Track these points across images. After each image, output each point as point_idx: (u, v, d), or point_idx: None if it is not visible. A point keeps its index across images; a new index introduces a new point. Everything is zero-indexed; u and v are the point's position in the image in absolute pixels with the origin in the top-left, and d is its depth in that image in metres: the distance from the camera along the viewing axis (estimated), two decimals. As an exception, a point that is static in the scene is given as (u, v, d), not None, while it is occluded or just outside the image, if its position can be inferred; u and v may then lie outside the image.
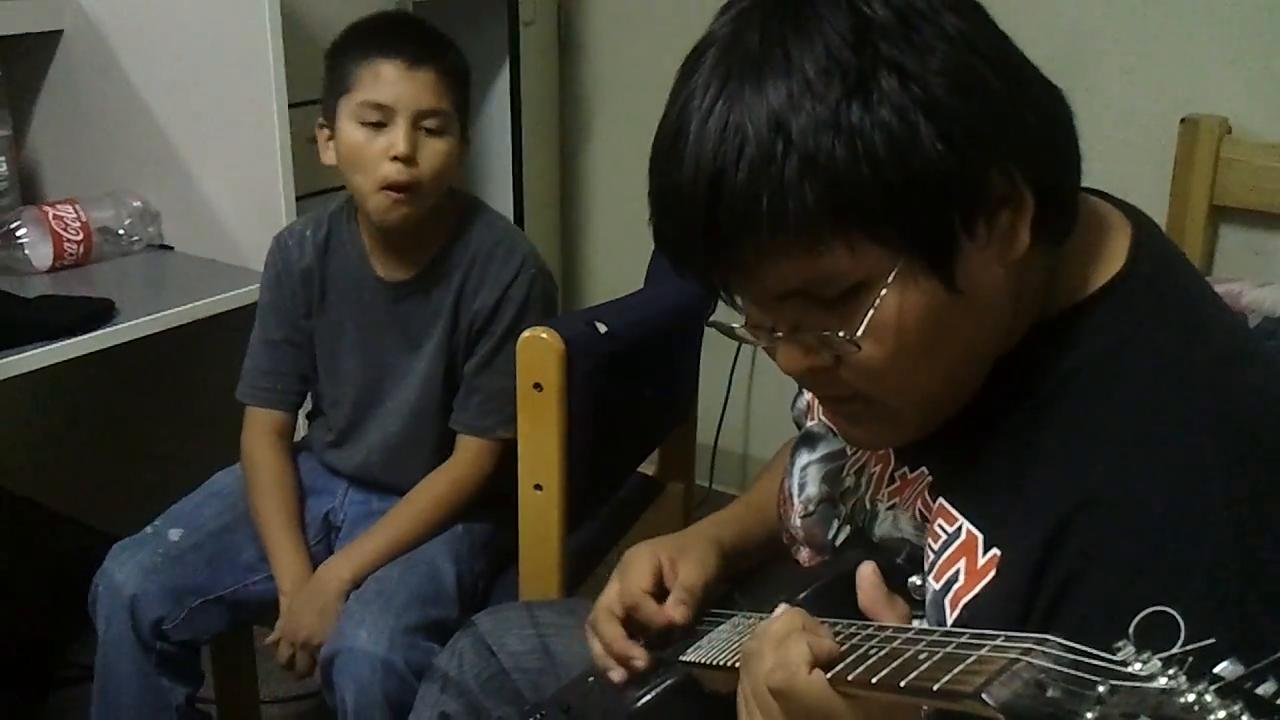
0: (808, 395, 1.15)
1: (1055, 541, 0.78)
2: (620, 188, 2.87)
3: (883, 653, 0.70)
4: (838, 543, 1.04)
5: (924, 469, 0.95)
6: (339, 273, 1.69)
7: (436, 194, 1.58)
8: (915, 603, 0.89)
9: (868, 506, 1.00)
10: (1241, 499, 0.75)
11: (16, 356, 1.67)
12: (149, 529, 1.68)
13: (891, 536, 0.96)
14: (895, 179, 0.75)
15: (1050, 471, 0.81)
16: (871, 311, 0.79)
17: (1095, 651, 0.55)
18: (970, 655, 0.61)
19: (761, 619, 0.91)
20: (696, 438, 2.04)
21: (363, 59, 1.54)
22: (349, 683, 1.49)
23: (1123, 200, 0.93)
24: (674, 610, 1.09)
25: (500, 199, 2.67)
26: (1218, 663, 0.50)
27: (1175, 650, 0.52)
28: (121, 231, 2.08)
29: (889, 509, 0.98)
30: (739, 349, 2.67)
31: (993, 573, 0.83)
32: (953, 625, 0.84)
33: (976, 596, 0.84)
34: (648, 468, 1.97)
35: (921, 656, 0.65)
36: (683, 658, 1.04)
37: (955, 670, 0.61)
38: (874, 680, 0.68)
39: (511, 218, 2.65)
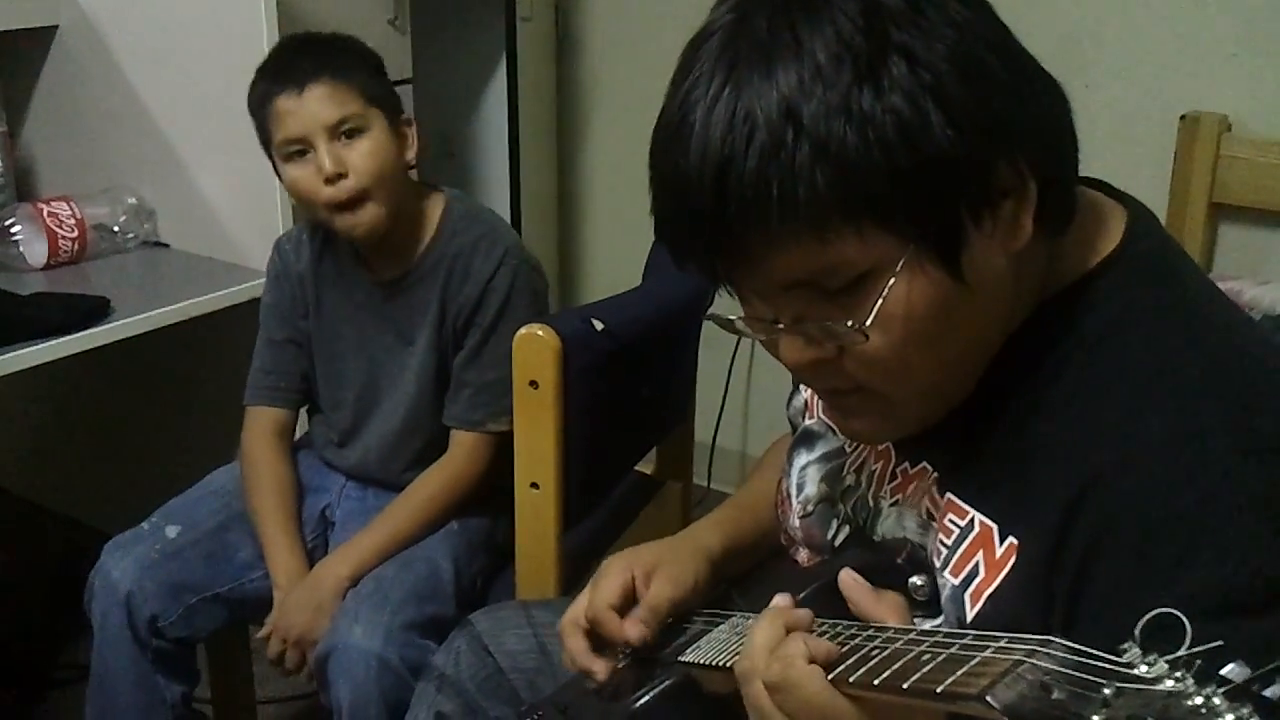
0: (804, 393, 1.14)
1: (1069, 522, 0.78)
2: (618, 184, 2.87)
3: (885, 654, 0.70)
4: (837, 543, 1.04)
5: (925, 464, 0.94)
6: (333, 275, 1.70)
7: (391, 189, 1.58)
8: (916, 604, 0.88)
9: (870, 504, 1.00)
10: (1247, 465, 0.75)
11: (11, 354, 1.67)
12: (145, 525, 1.68)
13: (894, 535, 0.96)
14: (906, 165, 0.74)
15: (1056, 453, 0.81)
16: (880, 301, 0.79)
17: (1100, 653, 0.55)
18: (974, 657, 0.61)
19: (745, 620, 0.91)
20: (694, 436, 2.04)
21: (266, 104, 1.56)
22: (344, 680, 1.48)
23: (1119, 189, 0.93)
24: (631, 629, 1.07)
25: (498, 196, 2.67)
26: (1224, 664, 0.50)
27: (1182, 652, 0.52)
28: (117, 228, 2.08)
29: (893, 505, 0.97)
30: (737, 346, 2.67)
31: (1012, 561, 0.83)
32: (973, 619, 0.84)
33: (998, 588, 0.83)
34: (645, 466, 1.96)
35: (925, 658, 0.64)
36: (681, 658, 1.04)
37: (959, 672, 0.60)
38: (876, 682, 0.67)
39: (509, 214, 2.65)
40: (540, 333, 1.44)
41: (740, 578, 1.18)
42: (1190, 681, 0.50)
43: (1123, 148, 2.18)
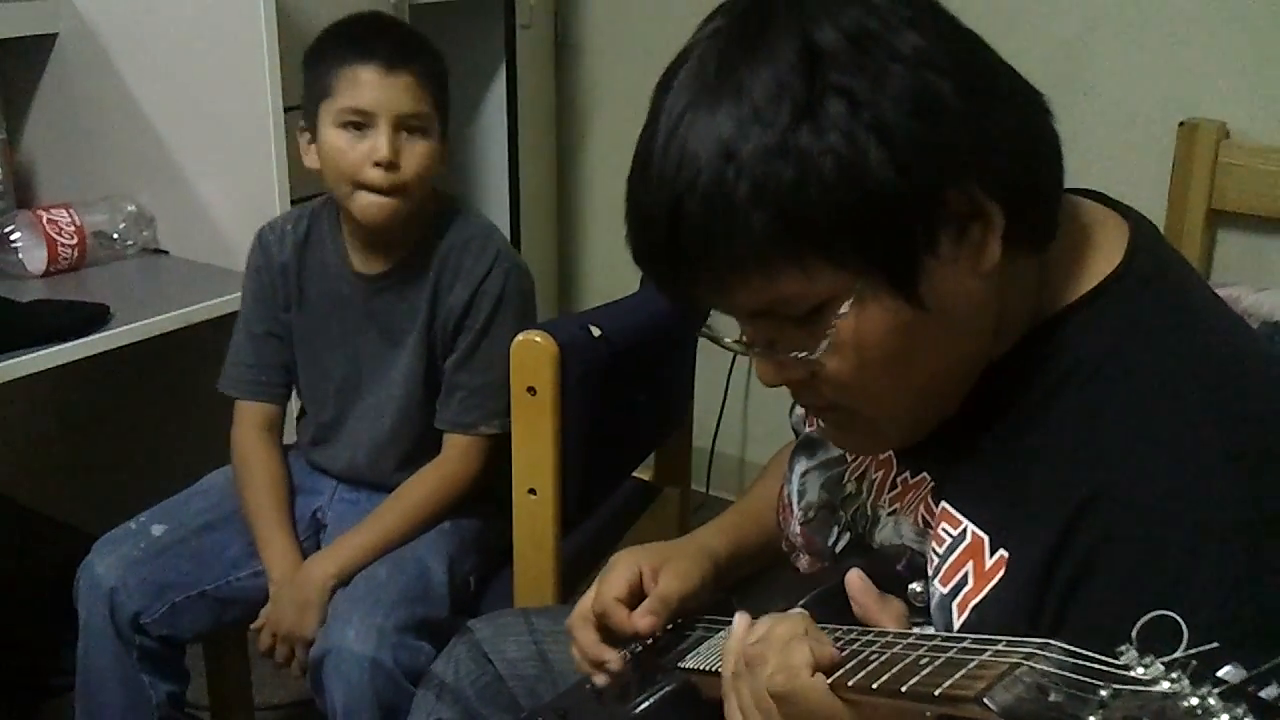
0: (804, 401, 1.15)
1: (1063, 539, 0.78)
2: (616, 191, 2.83)
3: (883, 658, 0.70)
4: (838, 549, 1.04)
5: (925, 474, 0.94)
6: (317, 267, 1.69)
7: (421, 193, 1.59)
8: (916, 610, 0.88)
9: (869, 513, 1.00)
10: (1245, 490, 0.75)
11: (10, 361, 1.66)
12: (132, 523, 1.68)
13: (892, 543, 0.96)
14: (846, 204, 0.75)
15: (1053, 470, 0.81)
16: (831, 332, 0.80)
17: (1098, 656, 0.55)
18: (972, 660, 0.61)
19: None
20: (693, 442, 2.04)
21: (341, 64, 1.54)
22: (338, 683, 1.48)
23: (1120, 202, 0.93)
24: (641, 620, 1.09)
25: (496, 201, 2.67)
26: (1221, 666, 0.50)
27: (1178, 654, 0.52)
28: (116, 235, 2.08)
29: (890, 514, 0.97)
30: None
31: (1001, 573, 0.83)
32: (960, 628, 0.84)
33: (985, 599, 0.83)
34: (644, 472, 1.96)
35: (923, 662, 0.65)
36: (681, 664, 1.04)
37: (957, 675, 0.60)
38: (875, 685, 0.67)
39: (507, 220, 2.65)
40: (538, 339, 1.44)
41: (740, 584, 1.18)
42: (1186, 683, 0.50)
43: (1121, 154, 2.18)
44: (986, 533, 0.84)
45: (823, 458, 1.08)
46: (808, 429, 1.12)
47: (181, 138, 2.07)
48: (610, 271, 2.95)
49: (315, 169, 1.61)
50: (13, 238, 1.96)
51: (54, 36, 2.14)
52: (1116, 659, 0.53)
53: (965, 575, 0.85)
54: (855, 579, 0.87)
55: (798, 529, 1.09)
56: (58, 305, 1.84)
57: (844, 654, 0.74)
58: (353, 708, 1.47)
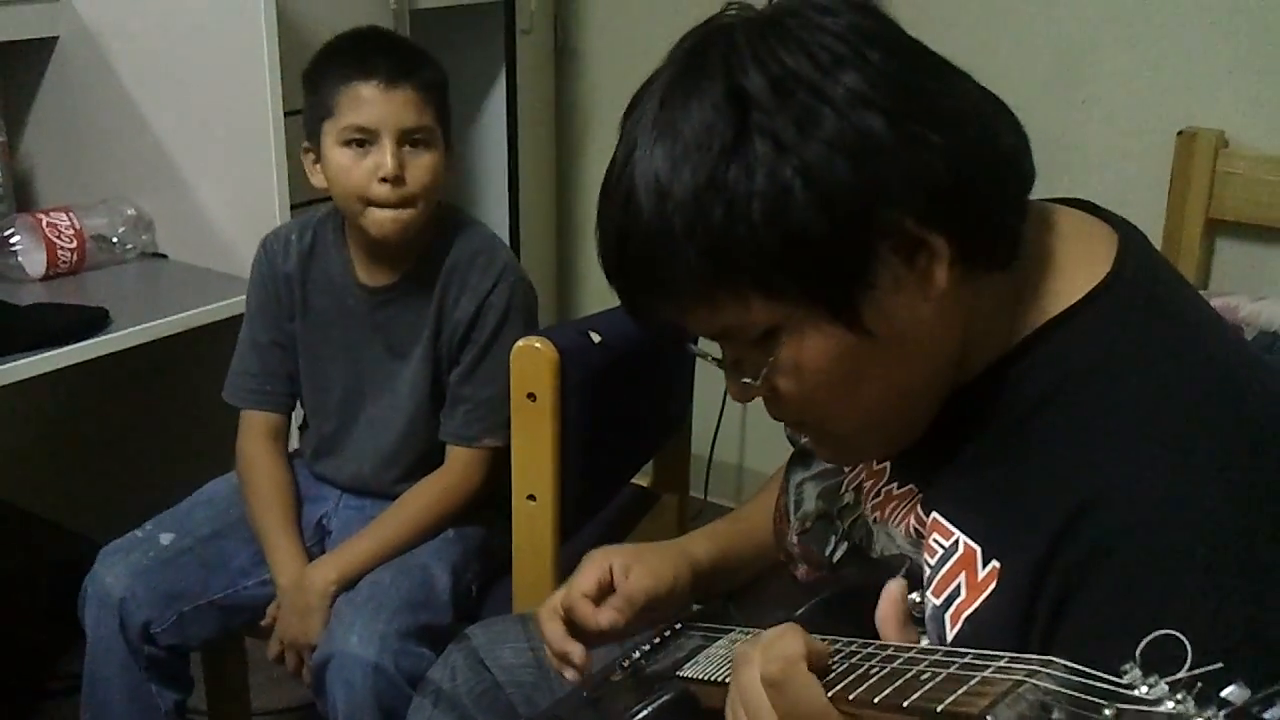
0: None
1: (1054, 551, 0.78)
2: (616, 197, 2.86)
3: (884, 672, 0.69)
4: (835, 559, 1.04)
5: (913, 485, 0.94)
6: (321, 278, 1.69)
7: (430, 204, 1.59)
8: (914, 620, 0.88)
9: (867, 523, 1.00)
10: (1237, 499, 0.74)
11: (10, 365, 1.66)
12: (139, 532, 1.68)
13: (890, 553, 0.96)
14: (774, 243, 0.77)
15: (1044, 482, 0.81)
16: (772, 359, 0.83)
17: (1101, 674, 0.54)
18: (974, 676, 0.61)
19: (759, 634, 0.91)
20: (691, 448, 2.04)
21: (341, 82, 1.55)
22: (340, 688, 1.49)
23: (1109, 211, 0.92)
24: (603, 615, 1.10)
25: (496, 207, 2.67)
26: (1224, 686, 0.50)
27: (1182, 674, 0.52)
28: (115, 239, 2.08)
29: (872, 523, 0.98)
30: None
31: (993, 585, 0.82)
32: (953, 640, 0.84)
33: (978, 610, 0.83)
34: (642, 479, 1.96)
35: (924, 677, 0.64)
36: (680, 673, 1.04)
37: (959, 692, 0.60)
38: (876, 700, 0.67)
39: (507, 226, 2.65)
40: (538, 345, 1.44)
41: (738, 592, 1.18)
42: (1191, 703, 0.50)
43: (1120, 163, 2.18)
44: (978, 544, 0.84)
45: (819, 468, 1.09)
46: (803, 439, 1.12)
47: (181, 142, 2.06)
48: (609, 277, 2.95)
49: (323, 188, 1.61)
50: (12, 241, 1.96)
51: (54, 40, 2.14)
52: (1120, 677, 0.53)
53: (958, 587, 0.85)
54: (896, 589, 0.83)
55: (795, 539, 1.09)
56: (57, 309, 1.84)
57: (844, 666, 0.74)
58: (354, 712, 1.48)
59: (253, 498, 1.69)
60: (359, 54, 1.56)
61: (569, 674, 1.11)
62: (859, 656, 0.74)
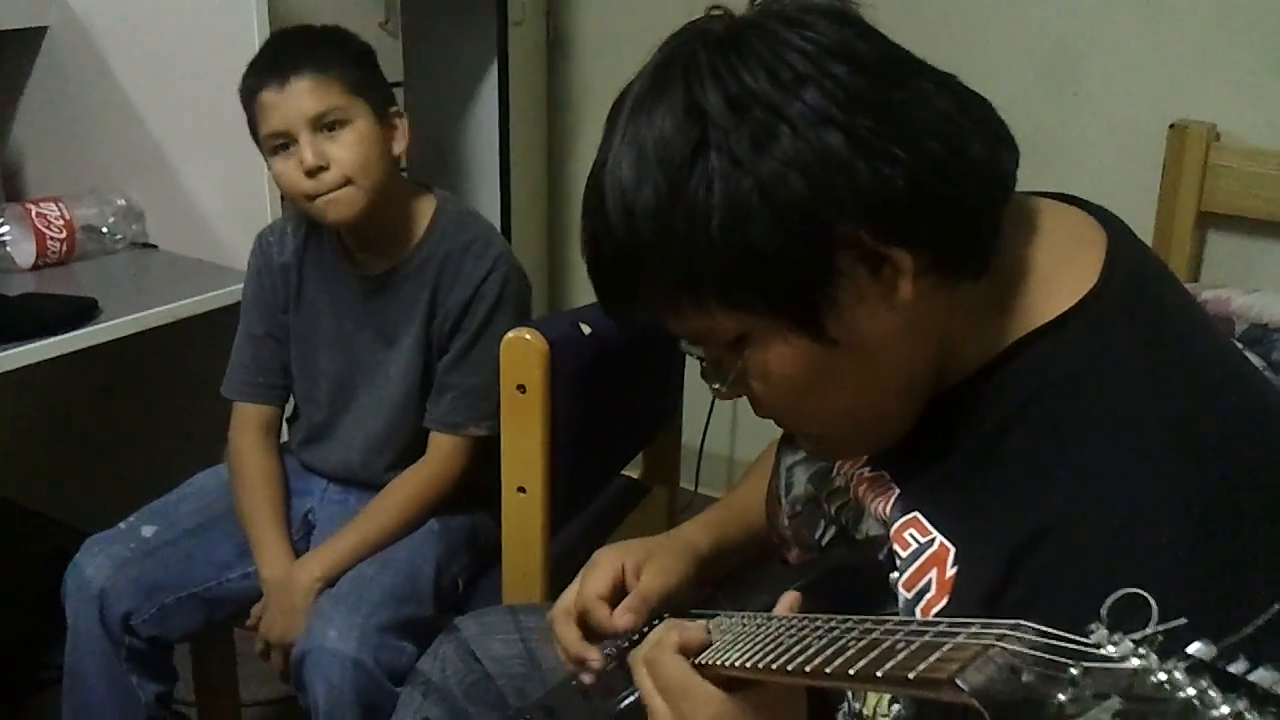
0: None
1: (1012, 567, 0.79)
2: (608, 189, 2.86)
3: (861, 644, 0.70)
4: (824, 542, 1.04)
5: (884, 472, 0.95)
6: (316, 267, 1.70)
7: (375, 179, 1.57)
8: (896, 599, 0.89)
9: (855, 506, 1.00)
10: (1196, 531, 0.74)
11: (-2, 355, 1.66)
12: (122, 525, 1.68)
13: (874, 534, 0.96)
14: (731, 259, 0.78)
15: (1009, 497, 0.81)
16: (739, 366, 0.84)
17: (1068, 635, 0.55)
18: (947, 643, 0.61)
19: (744, 618, 0.91)
20: (682, 440, 2.04)
21: (249, 97, 1.57)
22: (319, 682, 1.48)
23: (1100, 207, 0.91)
24: (621, 618, 1.10)
25: (487, 198, 2.67)
26: (1190, 642, 0.51)
27: (1147, 631, 0.53)
28: (105, 230, 2.08)
29: (859, 504, 0.98)
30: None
31: (954, 587, 0.83)
32: None
33: (946, 608, 0.84)
34: (633, 470, 1.96)
35: (899, 647, 0.65)
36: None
37: (931, 658, 0.61)
38: (851, 672, 0.68)
39: (499, 217, 2.65)
40: (528, 336, 1.44)
41: (725, 578, 1.18)
42: (1154, 658, 0.51)
43: (1112, 156, 2.19)
44: (954, 545, 0.85)
45: (807, 451, 1.09)
46: (790, 430, 1.13)
47: (171, 132, 2.06)
48: (601, 269, 2.95)
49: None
50: (1, 231, 1.95)
51: (44, 29, 2.13)
52: (1087, 637, 0.54)
53: (929, 582, 0.86)
54: (790, 600, 0.92)
55: (786, 523, 1.09)
56: (46, 299, 1.84)
57: (823, 641, 0.75)
58: (334, 707, 1.48)
59: (242, 490, 1.69)
60: (259, 65, 1.58)
61: (585, 677, 1.11)
62: (837, 631, 0.75)
